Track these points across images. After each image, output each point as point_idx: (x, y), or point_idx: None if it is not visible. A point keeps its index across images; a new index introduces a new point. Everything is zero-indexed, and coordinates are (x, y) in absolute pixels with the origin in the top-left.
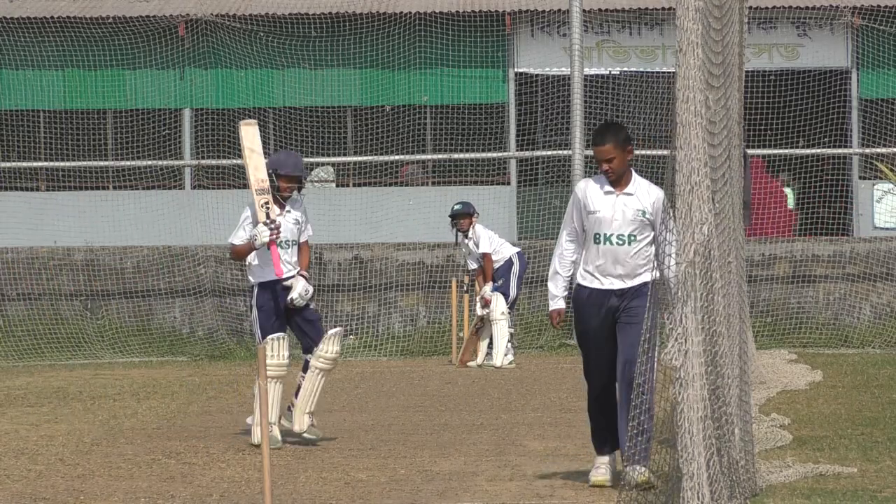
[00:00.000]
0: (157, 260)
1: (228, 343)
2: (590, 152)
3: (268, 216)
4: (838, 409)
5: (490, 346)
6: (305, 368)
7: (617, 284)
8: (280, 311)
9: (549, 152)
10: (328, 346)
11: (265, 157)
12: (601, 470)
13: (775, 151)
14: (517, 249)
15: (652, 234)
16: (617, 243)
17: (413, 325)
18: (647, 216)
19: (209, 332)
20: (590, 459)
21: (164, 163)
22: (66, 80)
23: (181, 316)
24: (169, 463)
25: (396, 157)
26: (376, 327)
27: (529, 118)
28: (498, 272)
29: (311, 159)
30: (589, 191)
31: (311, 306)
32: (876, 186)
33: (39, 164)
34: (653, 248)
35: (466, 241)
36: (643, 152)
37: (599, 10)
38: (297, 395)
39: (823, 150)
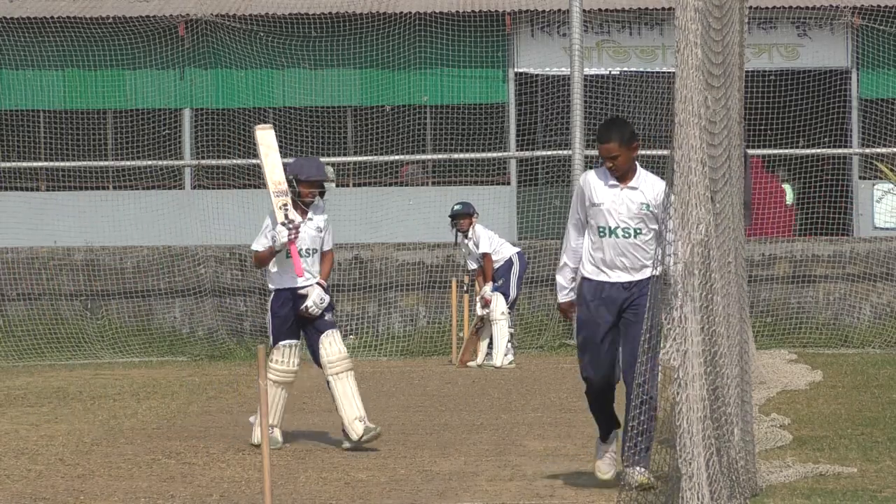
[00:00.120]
0: (157, 260)
1: (228, 343)
2: (590, 152)
3: (286, 216)
4: (838, 409)
5: (490, 346)
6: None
7: (624, 277)
8: (295, 319)
9: (549, 152)
10: (327, 350)
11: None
12: (606, 461)
13: (775, 151)
14: (517, 249)
15: (657, 227)
16: (623, 236)
17: (413, 325)
18: (652, 209)
19: (209, 332)
20: (590, 459)
21: (164, 163)
22: (66, 80)
23: (181, 316)
24: (169, 463)
25: (396, 157)
26: (376, 327)
27: (529, 118)
28: (498, 272)
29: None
30: (593, 183)
31: (328, 317)
32: (876, 186)
33: (39, 164)
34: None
35: (466, 241)
36: (643, 152)
37: (599, 10)
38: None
39: (823, 150)
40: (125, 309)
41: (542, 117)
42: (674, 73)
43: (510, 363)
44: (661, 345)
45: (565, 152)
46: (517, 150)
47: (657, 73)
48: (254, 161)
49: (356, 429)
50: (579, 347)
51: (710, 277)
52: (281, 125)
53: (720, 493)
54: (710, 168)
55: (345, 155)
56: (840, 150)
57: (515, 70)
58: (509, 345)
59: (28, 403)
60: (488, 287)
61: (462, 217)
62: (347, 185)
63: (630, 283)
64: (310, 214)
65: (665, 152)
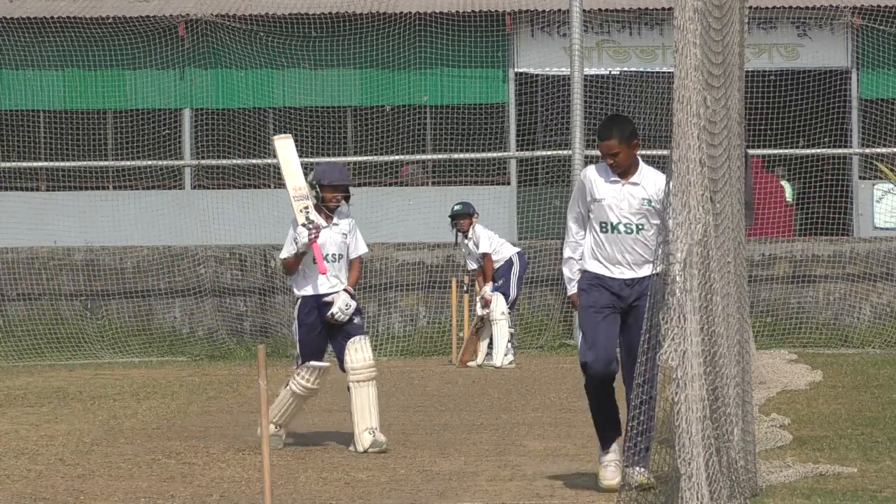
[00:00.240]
0: (157, 260)
1: (228, 343)
2: (590, 152)
3: (307, 218)
4: (838, 409)
5: (490, 346)
6: None
7: (627, 273)
8: (322, 326)
9: (549, 152)
10: (353, 356)
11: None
12: (610, 469)
13: (775, 151)
14: (517, 249)
15: (659, 222)
16: (626, 232)
17: (413, 325)
18: (653, 205)
19: (209, 332)
20: (590, 459)
21: (164, 163)
22: (66, 80)
23: (181, 316)
24: (169, 463)
25: (396, 157)
26: (376, 327)
27: (529, 118)
28: (498, 272)
29: (311, 159)
30: (594, 178)
31: (357, 320)
32: (876, 186)
33: (39, 164)
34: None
35: (466, 241)
36: (643, 152)
37: (599, 10)
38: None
39: (823, 150)
40: (125, 309)
41: (542, 117)
42: (673, 73)
43: (510, 363)
44: (660, 345)
45: (565, 152)
46: (517, 150)
47: (657, 73)
48: (254, 161)
49: (364, 441)
50: (582, 333)
51: (710, 277)
52: (281, 125)
53: (720, 493)
54: (710, 168)
55: (345, 155)
56: (840, 150)
57: (515, 70)
58: (509, 345)
59: (28, 403)
60: (488, 287)
61: (462, 217)
62: None
63: (633, 279)
64: (335, 220)
65: (665, 152)
